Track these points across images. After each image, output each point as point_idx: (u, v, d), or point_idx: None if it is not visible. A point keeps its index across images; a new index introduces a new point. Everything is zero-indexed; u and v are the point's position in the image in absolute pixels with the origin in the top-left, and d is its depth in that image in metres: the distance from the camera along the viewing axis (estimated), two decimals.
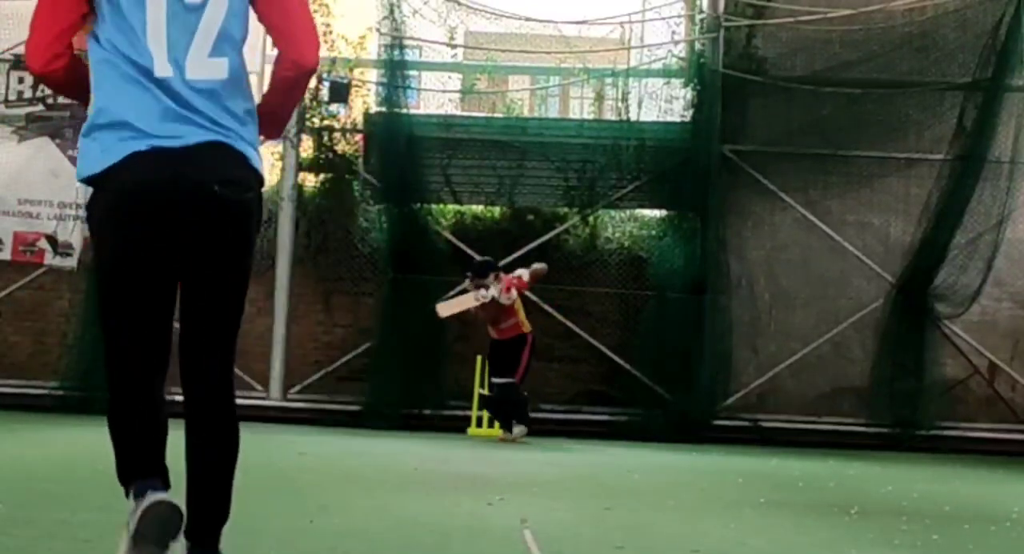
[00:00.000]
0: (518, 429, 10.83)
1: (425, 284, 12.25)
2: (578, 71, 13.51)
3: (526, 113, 13.84)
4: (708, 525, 5.96)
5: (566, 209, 13.05)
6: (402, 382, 12.11)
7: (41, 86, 12.68)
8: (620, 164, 12.83)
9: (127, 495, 3.46)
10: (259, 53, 12.80)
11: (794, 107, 12.83)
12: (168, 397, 3.70)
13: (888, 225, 12.92)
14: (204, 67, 3.36)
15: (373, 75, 13.25)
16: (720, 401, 12.43)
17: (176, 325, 3.59)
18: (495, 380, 10.93)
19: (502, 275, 11.07)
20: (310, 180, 12.90)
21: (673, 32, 13.21)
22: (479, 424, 11.58)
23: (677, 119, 12.90)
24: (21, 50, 12.56)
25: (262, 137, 3.54)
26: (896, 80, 12.68)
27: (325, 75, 12.75)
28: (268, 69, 13.57)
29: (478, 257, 12.39)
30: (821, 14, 12.57)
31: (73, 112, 12.67)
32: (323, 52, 12.76)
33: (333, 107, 12.86)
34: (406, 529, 5.26)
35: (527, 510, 5.95)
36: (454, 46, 13.30)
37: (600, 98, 13.69)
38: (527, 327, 11.03)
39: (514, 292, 10.93)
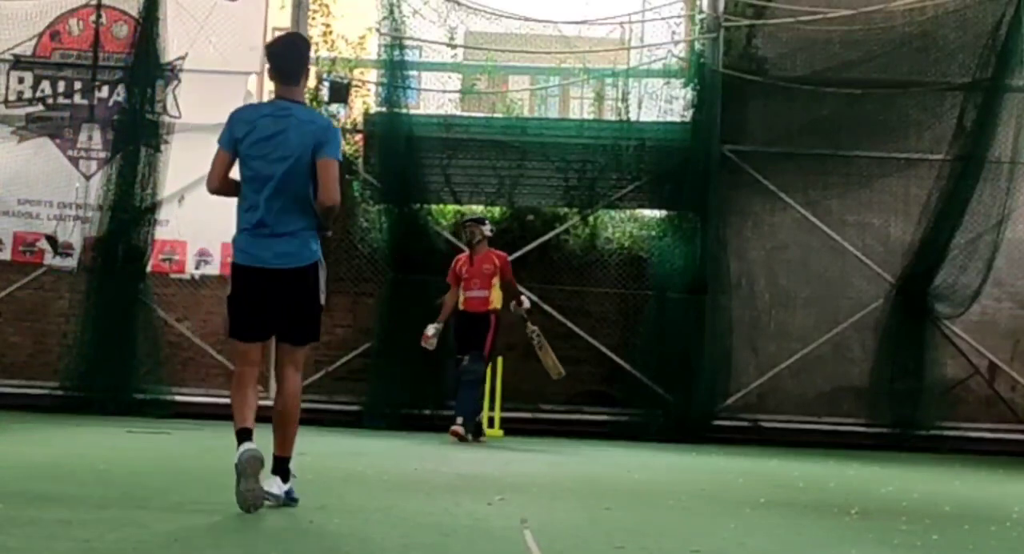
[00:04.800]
0: (459, 427, 10.60)
1: (425, 284, 12.23)
2: (578, 71, 13.50)
3: (526, 113, 13.83)
4: (708, 525, 5.96)
5: (566, 209, 13.04)
6: (402, 382, 12.11)
7: (41, 86, 12.69)
8: (620, 164, 12.83)
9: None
10: (259, 54, 12.84)
11: (794, 107, 12.83)
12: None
13: (888, 225, 12.92)
14: None
15: (373, 75, 13.25)
16: (720, 401, 12.43)
17: None
18: (464, 356, 10.77)
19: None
20: None
21: (673, 32, 13.21)
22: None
23: (677, 119, 12.90)
24: (21, 50, 12.61)
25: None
26: (896, 80, 12.68)
27: (325, 75, 12.75)
28: (268, 69, 13.60)
29: None
30: (821, 14, 12.57)
31: (73, 112, 12.68)
32: (323, 52, 12.86)
33: (333, 107, 12.85)
34: (406, 529, 5.26)
35: (527, 510, 5.95)
36: (454, 46, 13.30)
37: (600, 98, 13.68)
38: (494, 305, 10.87)
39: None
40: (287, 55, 5.88)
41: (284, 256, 5.67)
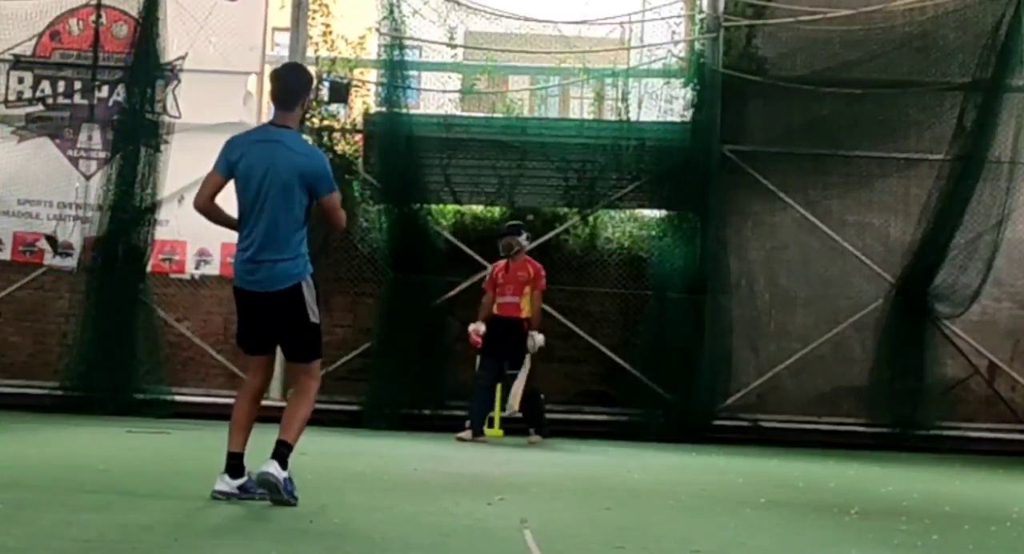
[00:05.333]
0: (535, 437, 10.95)
1: (425, 284, 12.25)
2: (578, 71, 13.49)
3: (526, 113, 13.83)
4: (708, 525, 5.96)
5: (566, 209, 13.04)
6: (402, 382, 12.11)
7: (41, 86, 12.69)
8: (620, 164, 12.82)
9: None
10: (259, 54, 12.84)
11: (794, 107, 12.83)
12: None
13: (888, 225, 12.92)
14: None
15: (373, 75, 13.24)
16: (720, 401, 12.42)
17: None
18: (510, 372, 10.94)
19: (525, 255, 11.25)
20: None
21: (673, 32, 13.21)
22: None
23: (677, 119, 12.89)
24: (21, 50, 12.61)
25: None
26: (896, 80, 12.67)
27: (325, 75, 12.74)
28: (268, 68, 13.65)
29: (478, 257, 12.44)
30: (821, 14, 12.57)
31: (73, 112, 12.68)
32: (323, 52, 12.86)
33: (333, 107, 12.85)
34: (406, 529, 5.26)
35: (527, 510, 5.96)
36: (454, 46, 13.29)
37: (600, 98, 13.68)
38: (526, 313, 11.00)
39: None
40: (285, 81, 6.13)
41: (265, 281, 5.88)
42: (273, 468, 5.65)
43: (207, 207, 6.00)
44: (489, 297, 11.18)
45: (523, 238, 11.26)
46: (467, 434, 10.84)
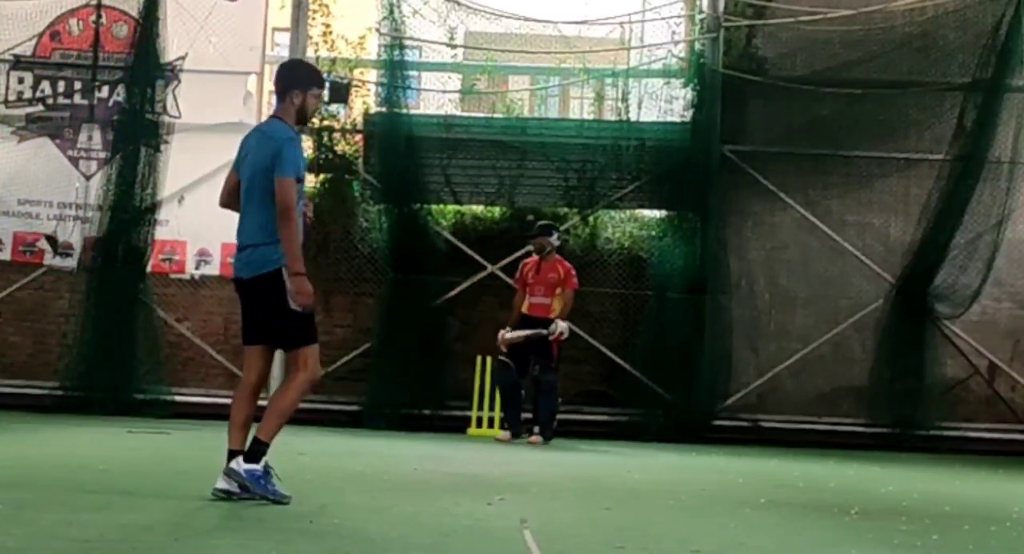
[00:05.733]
0: (536, 437, 10.87)
1: (425, 284, 12.25)
2: (578, 71, 13.50)
3: (526, 113, 13.83)
4: (708, 525, 5.96)
5: (566, 209, 13.04)
6: (402, 382, 12.11)
7: (41, 86, 12.69)
8: (620, 164, 12.83)
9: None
10: (259, 54, 12.84)
11: (794, 107, 12.84)
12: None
13: (888, 225, 12.92)
14: None
15: (373, 75, 13.25)
16: (720, 401, 12.43)
17: None
18: (536, 369, 10.93)
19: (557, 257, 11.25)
20: (310, 180, 12.88)
21: (673, 32, 13.21)
22: (479, 424, 11.59)
23: (677, 119, 12.89)
24: (21, 50, 12.61)
25: None
26: (896, 80, 12.68)
27: (325, 75, 12.73)
28: (268, 69, 13.63)
29: (478, 257, 12.44)
30: (821, 14, 12.57)
31: (73, 112, 12.68)
32: (323, 52, 12.86)
33: (333, 107, 12.84)
34: (406, 529, 5.26)
35: (527, 510, 5.96)
36: (454, 46, 13.29)
37: (600, 98, 13.68)
38: (556, 314, 11.00)
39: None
40: (279, 73, 6.32)
41: (250, 266, 6.01)
42: (234, 462, 5.77)
43: (226, 203, 6.22)
44: (520, 295, 11.23)
45: (554, 238, 11.27)
46: (506, 435, 10.94)
